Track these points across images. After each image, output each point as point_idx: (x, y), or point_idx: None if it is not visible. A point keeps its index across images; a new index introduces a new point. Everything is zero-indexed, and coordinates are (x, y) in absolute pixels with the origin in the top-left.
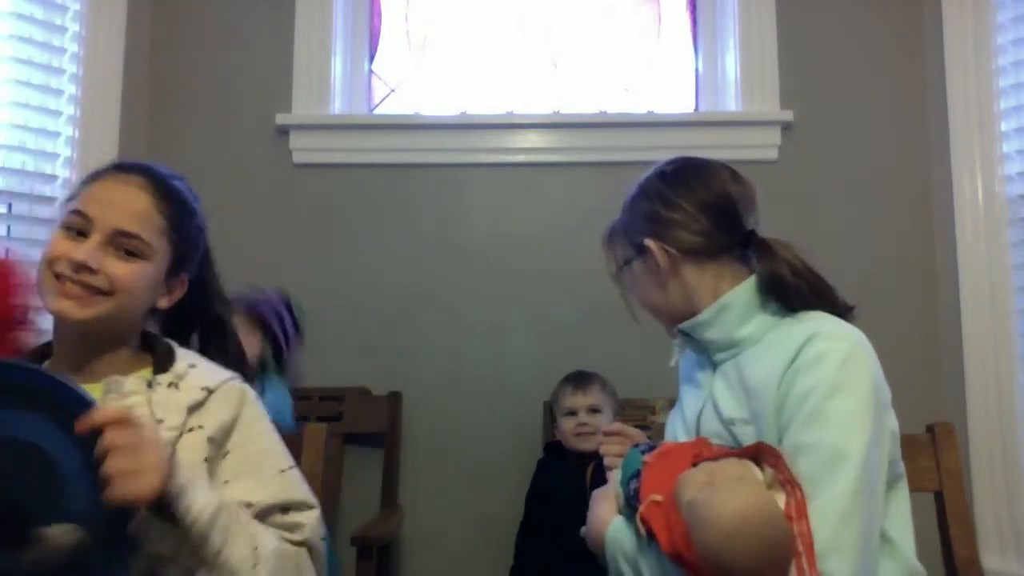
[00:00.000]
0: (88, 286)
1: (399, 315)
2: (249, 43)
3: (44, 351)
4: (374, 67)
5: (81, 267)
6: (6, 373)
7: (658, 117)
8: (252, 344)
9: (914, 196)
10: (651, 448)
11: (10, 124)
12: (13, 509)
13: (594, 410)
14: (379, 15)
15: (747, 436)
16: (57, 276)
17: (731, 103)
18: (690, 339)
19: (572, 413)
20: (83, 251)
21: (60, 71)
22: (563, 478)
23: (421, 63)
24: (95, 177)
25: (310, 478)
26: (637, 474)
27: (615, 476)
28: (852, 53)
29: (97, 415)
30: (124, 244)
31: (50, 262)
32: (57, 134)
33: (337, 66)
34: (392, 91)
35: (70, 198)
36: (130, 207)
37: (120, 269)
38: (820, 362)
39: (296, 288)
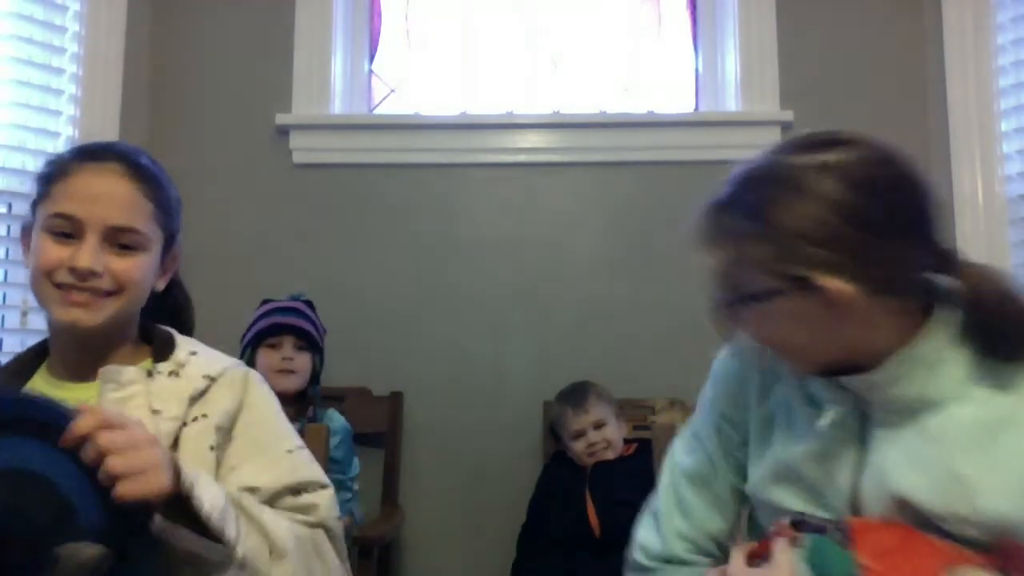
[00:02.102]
0: (94, 290)
1: (399, 315)
2: (249, 43)
3: (39, 351)
4: (374, 67)
5: (87, 274)
6: None
7: (658, 117)
8: (305, 369)
9: None
10: (834, 528)
11: (10, 124)
12: (28, 538)
13: (599, 425)
14: (379, 15)
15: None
16: (58, 285)
17: (731, 103)
18: (842, 390)
19: (580, 434)
20: (85, 257)
21: (60, 71)
22: (567, 483)
23: (421, 63)
24: (64, 170)
25: None
26: None
27: (785, 556)
28: (852, 53)
29: (79, 423)
30: (120, 239)
31: (47, 272)
32: (57, 134)
33: (337, 66)
34: (392, 91)
35: (42, 196)
36: (117, 199)
37: (123, 266)
38: None
39: (296, 288)
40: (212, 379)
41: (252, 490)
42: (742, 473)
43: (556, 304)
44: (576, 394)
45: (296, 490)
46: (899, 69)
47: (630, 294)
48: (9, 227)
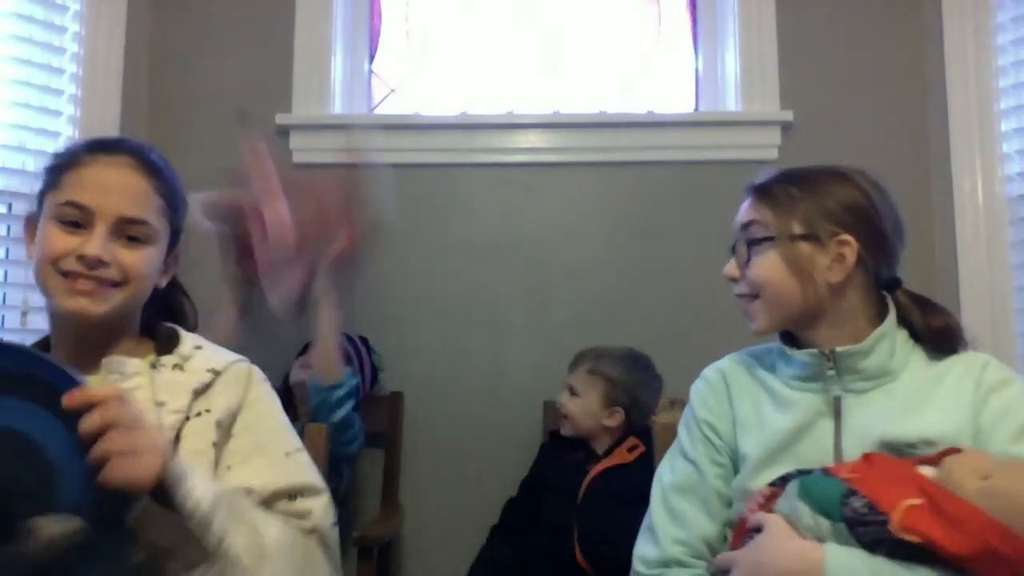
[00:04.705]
0: (101, 279)
1: (399, 315)
2: (249, 43)
3: (40, 348)
4: (374, 67)
5: (95, 262)
6: None
7: (658, 117)
8: None
9: (914, 196)
10: (806, 473)
11: (10, 124)
12: (4, 500)
13: (573, 392)
14: (379, 15)
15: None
16: (65, 274)
17: (731, 103)
18: (818, 363)
19: (563, 389)
20: (94, 245)
21: (60, 71)
22: (562, 469)
23: (421, 63)
24: (76, 160)
25: None
26: (851, 492)
27: (772, 515)
28: (852, 53)
29: (89, 391)
30: (129, 231)
31: (53, 260)
32: (57, 134)
33: (337, 66)
34: (392, 91)
35: (50, 185)
36: (129, 191)
37: (130, 258)
38: (1009, 384)
39: None
40: (217, 373)
41: (247, 491)
42: (726, 479)
43: (556, 304)
44: (580, 354)
45: (292, 494)
46: (899, 69)
47: (630, 294)
48: (9, 227)
